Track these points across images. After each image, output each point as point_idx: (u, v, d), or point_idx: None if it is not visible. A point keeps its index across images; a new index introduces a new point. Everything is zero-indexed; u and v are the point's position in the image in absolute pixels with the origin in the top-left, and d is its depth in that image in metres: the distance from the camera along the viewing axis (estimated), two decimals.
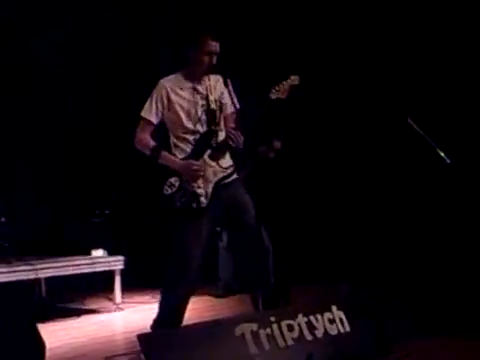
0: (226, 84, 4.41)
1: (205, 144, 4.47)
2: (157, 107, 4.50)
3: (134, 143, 4.56)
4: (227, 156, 4.54)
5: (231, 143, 4.41)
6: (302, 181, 7.88)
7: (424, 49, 6.81)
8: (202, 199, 4.40)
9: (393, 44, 7.02)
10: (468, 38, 6.59)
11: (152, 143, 4.52)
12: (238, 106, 4.46)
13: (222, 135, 4.51)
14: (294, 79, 4.39)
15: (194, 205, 4.38)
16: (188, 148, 4.48)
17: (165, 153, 4.51)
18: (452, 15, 6.67)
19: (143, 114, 4.53)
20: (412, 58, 6.89)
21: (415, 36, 6.87)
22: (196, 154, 4.46)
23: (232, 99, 4.41)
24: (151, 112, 4.51)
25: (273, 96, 4.33)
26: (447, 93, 6.62)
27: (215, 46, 4.42)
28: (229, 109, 4.52)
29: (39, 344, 3.60)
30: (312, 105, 7.63)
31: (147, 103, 4.53)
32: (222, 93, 4.51)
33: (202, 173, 4.40)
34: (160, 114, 4.51)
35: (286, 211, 7.12)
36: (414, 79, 6.83)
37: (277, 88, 4.34)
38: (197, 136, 4.47)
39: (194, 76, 4.51)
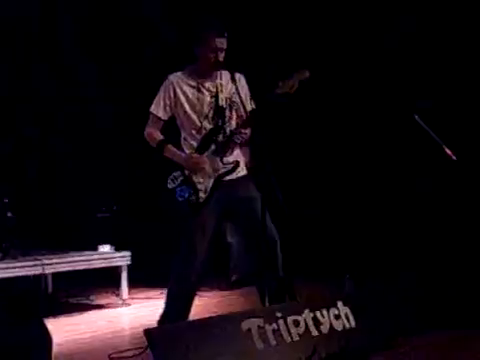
0: (233, 79, 4.40)
1: (210, 140, 4.48)
2: (165, 102, 4.52)
3: (144, 136, 4.62)
4: (233, 153, 4.54)
5: (236, 140, 4.43)
6: (306, 177, 7.89)
7: (430, 45, 6.80)
8: (201, 194, 4.43)
9: (399, 40, 7.00)
10: (475, 35, 6.58)
11: (159, 137, 4.57)
12: (248, 107, 4.46)
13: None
14: (303, 73, 4.37)
15: (193, 199, 4.41)
16: (195, 144, 4.51)
17: (170, 146, 4.55)
18: (459, 12, 6.66)
19: (151, 109, 4.57)
20: (418, 55, 6.88)
21: (421, 32, 6.86)
22: (201, 149, 4.48)
23: (241, 99, 4.40)
24: (159, 107, 4.54)
25: (280, 91, 4.32)
26: (454, 90, 6.61)
27: (221, 42, 4.40)
28: (240, 108, 4.51)
29: (46, 339, 3.61)
30: (318, 101, 7.63)
31: (156, 98, 4.57)
32: (233, 92, 4.49)
33: (202, 166, 4.42)
34: (168, 109, 4.54)
35: (291, 206, 7.10)
36: (421, 76, 6.82)
37: (284, 82, 4.33)
38: (204, 132, 4.49)
39: (202, 72, 4.52)
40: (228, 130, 4.51)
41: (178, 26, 7.68)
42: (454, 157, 4.94)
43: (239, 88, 4.41)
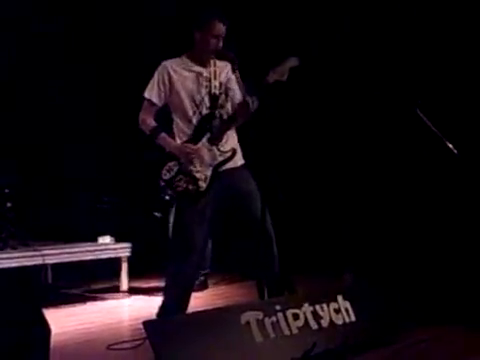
0: (234, 71, 4.40)
1: (205, 128, 4.47)
2: (159, 88, 4.50)
3: (138, 124, 4.59)
4: (229, 140, 4.53)
5: (230, 126, 4.44)
6: (306, 170, 7.88)
7: (433, 38, 6.77)
8: (201, 183, 4.41)
9: (401, 32, 6.98)
10: (477, 28, 6.55)
11: (153, 124, 4.55)
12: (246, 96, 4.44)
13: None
14: (293, 60, 4.38)
15: (192, 189, 4.40)
16: (189, 131, 4.49)
17: (163, 135, 4.53)
18: (462, 6, 6.63)
19: (145, 95, 4.54)
20: (421, 48, 6.85)
21: (424, 25, 6.83)
22: (195, 137, 4.47)
23: (240, 88, 4.39)
24: (153, 93, 4.51)
25: (271, 79, 4.33)
26: (457, 84, 6.59)
27: (222, 29, 4.42)
28: (238, 98, 4.50)
29: (45, 329, 3.61)
30: (317, 94, 7.62)
31: (149, 84, 4.54)
32: (229, 79, 4.50)
33: (195, 156, 4.40)
34: (162, 95, 4.51)
35: (291, 200, 7.10)
36: (423, 69, 6.80)
37: (276, 70, 4.33)
38: (198, 119, 4.47)
39: (199, 59, 4.52)
40: (224, 116, 4.50)
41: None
42: (456, 151, 4.93)
43: (239, 80, 4.40)
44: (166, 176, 4.46)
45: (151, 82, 4.54)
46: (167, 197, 6.21)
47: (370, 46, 7.20)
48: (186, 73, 4.51)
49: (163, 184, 4.46)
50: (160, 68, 4.54)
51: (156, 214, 6.55)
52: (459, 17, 6.58)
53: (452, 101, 6.49)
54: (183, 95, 4.49)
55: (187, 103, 4.49)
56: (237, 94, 4.49)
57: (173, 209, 6.35)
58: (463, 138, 5.12)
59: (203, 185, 4.41)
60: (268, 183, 4.33)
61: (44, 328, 3.60)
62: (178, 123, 4.56)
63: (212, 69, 4.53)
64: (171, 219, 6.58)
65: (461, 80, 6.55)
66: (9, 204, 6.35)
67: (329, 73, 7.42)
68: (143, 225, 7.97)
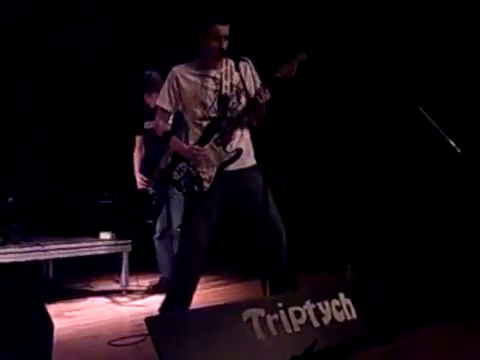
0: (237, 68, 4.40)
1: (213, 129, 4.51)
2: (169, 95, 4.59)
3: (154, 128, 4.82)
4: (240, 141, 4.53)
5: (238, 127, 4.45)
6: (309, 167, 7.88)
7: (436, 37, 6.77)
8: (205, 183, 4.47)
9: (404, 31, 6.98)
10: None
11: (165, 128, 4.69)
12: (252, 93, 4.44)
13: None
14: (301, 56, 4.39)
15: (196, 188, 4.45)
16: (199, 133, 4.53)
17: (174, 138, 4.67)
18: (463, 5, 6.63)
19: (158, 102, 4.68)
20: (424, 46, 6.85)
21: (427, 24, 6.83)
22: (204, 139, 4.52)
23: (245, 87, 4.39)
24: (164, 100, 4.62)
25: (280, 75, 4.34)
26: (460, 82, 6.59)
27: (223, 30, 4.44)
28: (249, 94, 4.49)
29: (47, 325, 3.61)
30: (321, 91, 7.61)
31: (161, 91, 4.66)
32: (239, 80, 4.48)
33: (202, 157, 4.45)
34: (173, 101, 4.60)
35: (294, 196, 7.10)
36: (426, 68, 6.80)
37: (284, 66, 4.34)
38: (209, 121, 4.49)
39: (207, 62, 4.55)
40: (233, 117, 4.51)
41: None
42: (458, 149, 4.93)
43: (243, 77, 4.41)
44: (176, 177, 4.54)
45: (162, 89, 4.65)
46: (154, 203, 6.35)
47: (373, 45, 7.20)
48: (193, 77, 4.55)
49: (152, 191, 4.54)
50: (169, 75, 4.62)
51: (149, 222, 6.61)
52: (461, 16, 6.59)
53: (455, 99, 6.49)
54: (192, 98, 4.54)
55: (196, 105, 4.53)
56: (250, 94, 4.47)
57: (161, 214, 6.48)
58: (465, 136, 5.12)
59: (207, 185, 4.46)
60: (270, 178, 4.34)
61: (47, 323, 3.61)
62: (190, 125, 4.63)
63: (224, 70, 4.55)
64: (158, 225, 6.60)
65: (464, 79, 6.55)
66: (11, 199, 6.36)
67: (334, 70, 7.41)
68: (141, 224, 8.00)
